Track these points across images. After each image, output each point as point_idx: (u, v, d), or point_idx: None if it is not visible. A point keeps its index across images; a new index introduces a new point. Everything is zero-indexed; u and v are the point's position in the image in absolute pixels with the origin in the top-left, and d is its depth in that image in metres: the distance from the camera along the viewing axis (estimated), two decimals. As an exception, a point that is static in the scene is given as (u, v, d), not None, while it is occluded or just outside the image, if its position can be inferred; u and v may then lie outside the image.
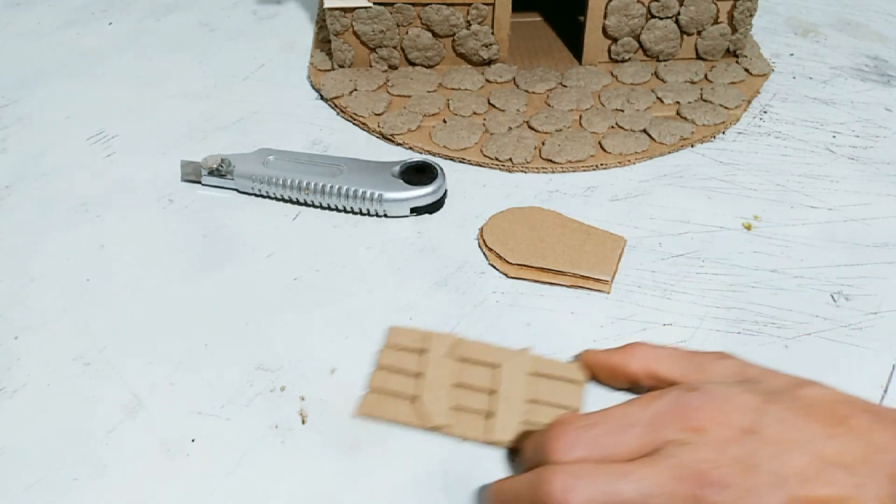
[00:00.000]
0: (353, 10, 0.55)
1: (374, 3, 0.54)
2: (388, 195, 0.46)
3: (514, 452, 0.35)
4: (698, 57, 0.59)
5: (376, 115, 0.54)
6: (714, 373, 0.34)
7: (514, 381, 0.37)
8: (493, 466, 0.35)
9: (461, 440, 0.36)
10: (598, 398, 0.37)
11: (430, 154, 0.52)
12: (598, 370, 0.37)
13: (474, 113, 0.54)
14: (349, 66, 0.58)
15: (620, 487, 0.29)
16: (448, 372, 0.37)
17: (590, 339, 0.40)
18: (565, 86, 0.57)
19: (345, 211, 0.47)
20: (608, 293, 0.42)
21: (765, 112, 0.55)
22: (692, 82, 0.57)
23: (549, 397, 0.36)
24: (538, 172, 0.50)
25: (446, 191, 0.48)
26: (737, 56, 0.59)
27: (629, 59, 0.59)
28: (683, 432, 0.30)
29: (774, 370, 0.34)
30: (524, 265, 0.43)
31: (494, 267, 0.44)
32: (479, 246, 0.45)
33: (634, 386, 0.36)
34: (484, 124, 0.53)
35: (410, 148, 0.52)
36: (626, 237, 0.45)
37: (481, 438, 0.35)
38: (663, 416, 0.31)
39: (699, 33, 0.57)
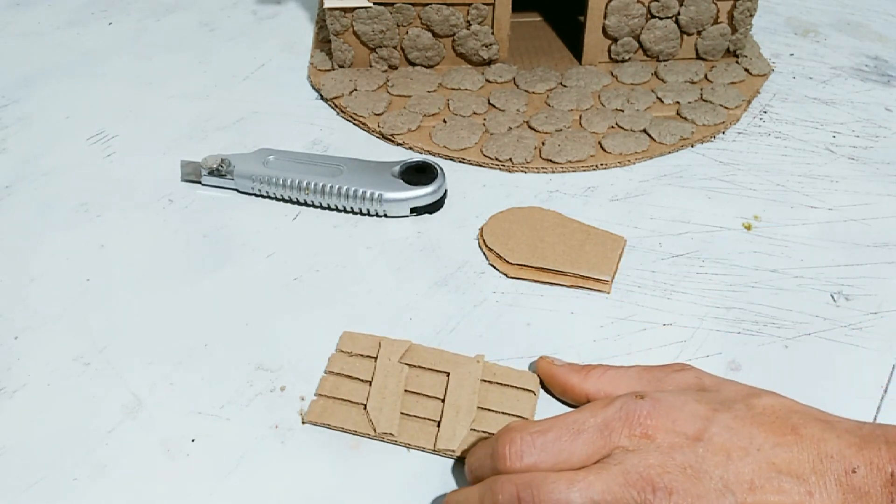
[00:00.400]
0: (353, 10, 0.55)
1: (374, 3, 0.54)
2: (389, 195, 0.46)
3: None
4: (698, 57, 0.59)
5: (376, 115, 0.54)
6: (671, 384, 0.34)
7: (464, 389, 0.36)
8: (493, 466, 0.35)
9: (408, 449, 0.35)
10: (552, 407, 0.37)
11: (430, 154, 0.52)
12: (552, 384, 0.37)
13: (474, 113, 0.54)
14: (349, 66, 0.58)
15: (570, 496, 0.29)
16: (399, 379, 0.37)
17: (590, 339, 0.40)
18: (565, 86, 0.57)
19: (345, 211, 0.47)
20: (608, 293, 0.42)
21: (765, 112, 0.55)
22: (692, 82, 0.57)
23: (500, 406, 0.36)
24: (538, 172, 0.50)
25: (446, 191, 0.48)
26: (737, 56, 0.59)
27: (629, 59, 0.59)
28: (632, 439, 0.30)
29: (732, 381, 0.34)
30: (524, 265, 0.43)
31: (494, 267, 0.44)
32: (479, 246, 0.45)
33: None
34: (484, 124, 0.53)
35: (410, 148, 0.52)
36: (625, 237, 0.45)
37: (429, 447, 0.35)
38: (613, 422, 0.31)
39: (699, 33, 0.57)
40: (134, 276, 0.44)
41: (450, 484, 0.34)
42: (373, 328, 0.40)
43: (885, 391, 0.37)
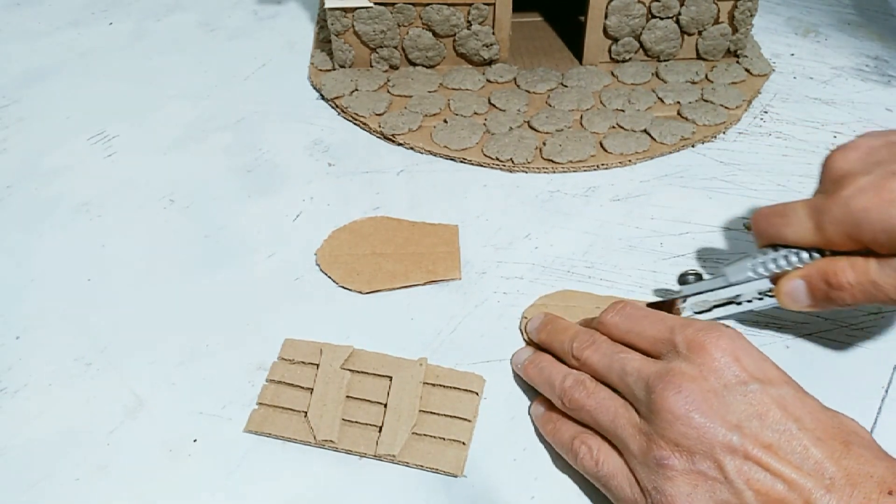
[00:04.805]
0: (353, 10, 0.55)
1: (375, 3, 0.54)
2: None
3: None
4: (699, 57, 0.59)
5: (377, 115, 0.54)
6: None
7: (405, 393, 0.36)
8: (493, 466, 0.35)
9: (351, 455, 0.35)
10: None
11: (430, 154, 0.52)
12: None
13: (475, 113, 0.54)
14: (350, 66, 0.58)
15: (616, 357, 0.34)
16: (340, 385, 0.37)
17: (591, 339, 0.40)
18: (566, 86, 0.57)
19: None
20: (459, 279, 0.43)
21: (765, 112, 0.55)
22: (693, 82, 0.57)
23: (441, 408, 0.36)
24: (539, 172, 0.50)
25: None
26: (737, 56, 0.59)
27: (630, 59, 0.59)
28: (690, 346, 0.32)
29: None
30: (374, 289, 0.42)
31: (347, 287, 0.43)
32: (321, 271, 0.44)
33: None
34: (485, 124, 0.53)
35: (412, 148, 0.52)
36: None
37: (370, 453, 0.35)
38: (686, 327, 0.32)
39: (700, 33, 0.57)
40: (134, 276, 0.44)
41: (450, 481, 0.34)
42: (373, 328, 0.40)
43: (886, 391, 0.37)
